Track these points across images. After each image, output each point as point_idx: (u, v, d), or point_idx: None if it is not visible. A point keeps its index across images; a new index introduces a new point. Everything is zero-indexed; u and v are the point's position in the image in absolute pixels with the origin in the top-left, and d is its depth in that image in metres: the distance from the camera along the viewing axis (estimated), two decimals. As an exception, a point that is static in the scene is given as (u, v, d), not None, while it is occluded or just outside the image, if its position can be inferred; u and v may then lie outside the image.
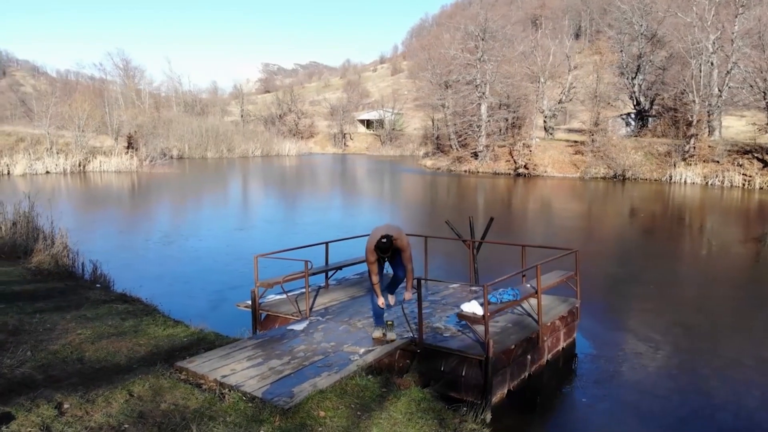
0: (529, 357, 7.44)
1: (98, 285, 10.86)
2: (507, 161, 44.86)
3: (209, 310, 10.20)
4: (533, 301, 7.81)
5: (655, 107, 47.78)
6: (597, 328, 9.72)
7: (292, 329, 7.47)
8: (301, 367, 6.20)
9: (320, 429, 5.09)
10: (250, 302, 8.54)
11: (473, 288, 9.44)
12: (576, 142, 43.98)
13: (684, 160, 36.93)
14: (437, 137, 57.77)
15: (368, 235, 7.22)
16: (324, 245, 9.75)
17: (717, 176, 35.03)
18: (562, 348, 8.42)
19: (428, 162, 53.34)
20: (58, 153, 43.01)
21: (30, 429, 4.28)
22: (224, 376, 5.86)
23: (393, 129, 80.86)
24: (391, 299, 7.30)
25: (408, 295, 7.01)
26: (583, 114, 50.49)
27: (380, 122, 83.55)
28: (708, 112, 38.35)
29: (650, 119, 47.80)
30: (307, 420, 5.17)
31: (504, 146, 46.19)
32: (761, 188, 33.01)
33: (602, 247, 17.76)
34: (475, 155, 46.67)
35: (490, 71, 46.10)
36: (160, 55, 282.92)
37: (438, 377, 6.76)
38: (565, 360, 8.32)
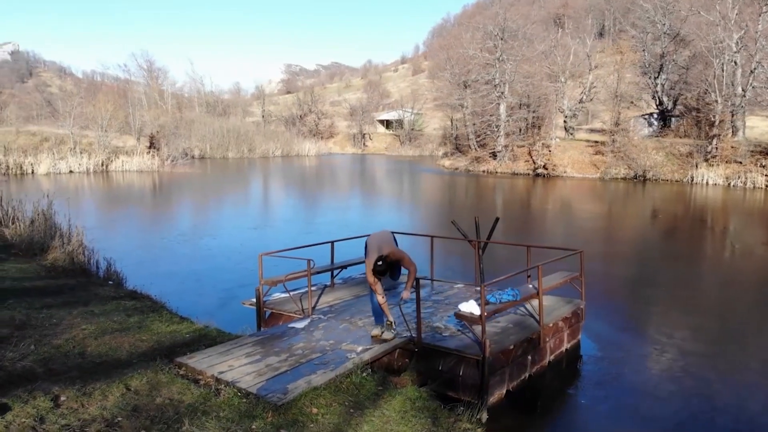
0: (529, 358, 7.41)
1: (110, 282, 11.06)
2: (526, 161, 44.57)
3: (217, 308, 10.32)
4: (535, 301, 7.78)
5: (678, 107, 47.09)
6: (604, 330, 9.64)
7: (293, 327, 7.54)
8: (298, 364, 6.26)
9: (312, 425, 5.14)
10: (254, 300, 8.65)
11: (478, 288, 9.40)
12: (596, 142, 43.52)
13: (706, 160, 36.33)
14: (456, 137, 57.61)
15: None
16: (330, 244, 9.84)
17: (739, 177, 34.40)
18: (566, 349, 8.36)
19: (446, 162, 53.23)
20: (81, 153, 43.81)
21: (24, 420, 4.40)
22: (221, 372, 5.95)
23: (412, 129, 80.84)
24: (406, 294, 7.16)
25: (406, 294, 7.03)
26: (605, 114, 49.94)
27: (399, 122, 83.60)
28: (731, 112, 37.67)
29: (673, 119, 47.12)
30: (300, 416, 5.23)
31: (523, 146, 45.91)
32: (785, 190, 32.38)
33: (619, 249, 17.58)
34: (494, 155, 46.46)
35: (509, 71, 45.86)
36: (184, 57, 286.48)
37: (436, 376, 6.77)
38: (568, 361, 8.26)
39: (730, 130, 37.98)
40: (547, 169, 42.05)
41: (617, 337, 9.41)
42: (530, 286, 8.11)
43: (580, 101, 50.50)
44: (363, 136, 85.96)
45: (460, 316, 6.85)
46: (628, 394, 7.17)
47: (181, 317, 8.48)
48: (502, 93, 46.10)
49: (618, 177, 39.31)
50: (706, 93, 38.48)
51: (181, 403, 5.21)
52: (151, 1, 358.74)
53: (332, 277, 9.89)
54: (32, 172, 40.59)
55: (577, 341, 8.72)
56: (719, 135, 36.43)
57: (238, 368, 6.08)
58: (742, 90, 37.69)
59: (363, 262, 9.72)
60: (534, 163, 43.39)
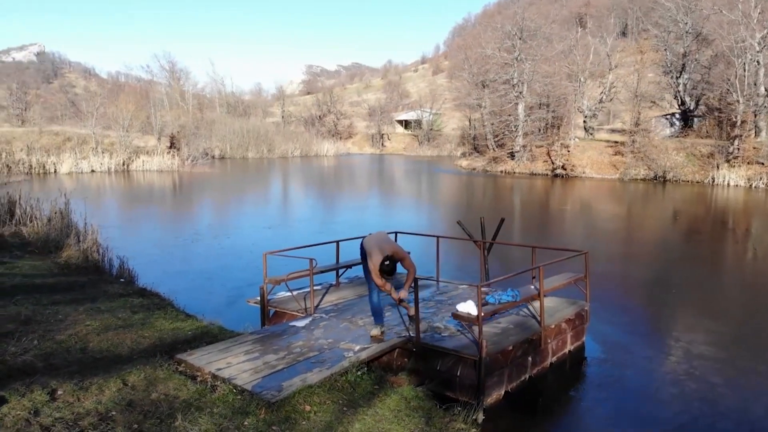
0: (529, 359, 7.38)
1: (122, 279, 11.23)
2: (544, 162, 44.24)
3: (224, 306, 10.44)
4: (537, 303, 7.74)
5: (700, 107, 46.37)
6: (611, 332, 9.55)
7: (294, 325, 7.60)
8: (295, 362, 6.31)
9: (304, 423, 5.18)
10: (259, 299, 8.73)
11: (484, 289, 9.38)
12: (616, 142, 43.03)
13: (727, 161, 35.74)
14: (474, 137, 57.42)
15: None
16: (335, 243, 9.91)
17: (761, 178, 33.77)
18: (569, 351, 8.31)
19: (464, 162, 53.06)
20: (103, 152, 44.53)
21: (20, 413, 4.51)
22: (219, 369, 6.02)
23: (431, 129, 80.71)
24: (403, 293, 7.17)
25: (404, 293, 7.04)
26: (626, 114, 49.34)
27: (418, 122, 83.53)
28: (753, 112, 36.99)
29: (695, 119, 46.41)
30: (292, 414, 5.28)
31: (542, 146, 45.59)
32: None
33: (636, 250, 17.39)
34: (512, 155, 46.21)
35: (527, 70, 45.58)
36: (205, 58, 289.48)
37: (434, 376, 6.78)
38: (572, 363, 8.21)
39: (753, 131, 37.31)
40: (565, 169, 41.69)
41: (624, 339, 9.31)
42: (532, 287, 8.08)
43: (600, 101, 49.97)
44: (381, 136, 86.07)
45: (457, 317, 6.86)
46: (629, 397, 7.11)
47: (186, 315, 8.61)
48: (520, 93, 45.84)
49: (637, 178, 38.84)
50: (727, 93, 37.86)
51: (176, 398, 5.29)
52: (174, 2, 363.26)
53: (338, 276, 9.95)
54: (55, 172, 41.35)
55: (581, 343, 8.65)
56: (741, 136, 35.82)
57: (235, 365, 6.15)
58: (765, 90, 37.00)
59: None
60: (552, 163, 43.05)
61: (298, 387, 5.64)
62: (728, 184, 34.83)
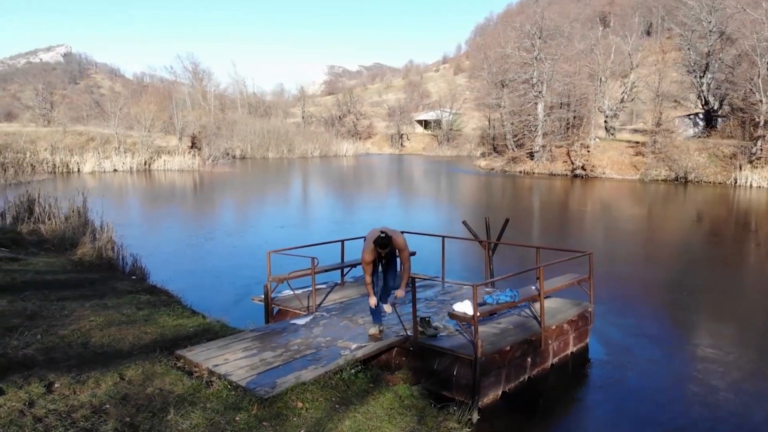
0: (529, 359, 7.36)
1: (133, 277, 11.44)
2: (564, 162, 43.85)
3: (231, 304, 10.57)
4: (538, 303, 7.70)
5: (724, 107, 45.54)
6: (617, 333, 9.46)
7: (294, 323, 7.68)
8: (291, 359, 6.38)
9: (295, 419, 5.24)
10: (263, 296, 8.83)
11: (488, 289, 9.37)
12: (637, 143, 42.48)
13: (750, 162, 35.08)
14: (494, 137, 57.12)
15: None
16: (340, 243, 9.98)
17: (785, 180, 33.12)
18: (572, 352, 8.26)
19: (482, 162, 52.82)
20: (125, 152, 45.22)
21: (15, 404, 4.63)
22: (216, 365, 6.11)
23: (450, 129, 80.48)
24: (387, 308, 7.24)
25: (401, 292, 7.06)
26: (649, 114, 48.66)
27: (438, 122, 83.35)
28: (777, 112, 36.25)
29: (719, 120, 45.60)
30: (284, 410, 5.34)
31: (561, 146, 45.20)
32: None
33: (653, 252, 17.16)
34: (531, 155, 45.89)
35: (547, 70, 45.22)
36: (228, 59, 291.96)
37: (431, 375, 6.79)
38: (574, 364, 8.15)
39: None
40: (585, 169, 41.27)
41: (629, 341, 9.22)
42: (533, 287, 8.04)
43: (622, 101, 49.39)
44: (401, 136, 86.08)
45: (453, 316, 6.86)
46: (628, 399, 7.04)
47: (192, 312, 8.73)
48: (539, 92, 45.50)
49: (658, 178, 38.31)
50: (751, 93, 37.15)
51: (171, 393, 5.38)
52: (198, 3, 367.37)
53: (342, 275, 10.01)
54: (78, 171, 42.15)
55: (584, 344, 8.59)
56: (764, 136, 35.13)
57: (232, 362, 6.24)
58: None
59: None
60: (572, 163, 42.64)
61: (291, 384, 5.70)
62: (750, 185, 34.20)
